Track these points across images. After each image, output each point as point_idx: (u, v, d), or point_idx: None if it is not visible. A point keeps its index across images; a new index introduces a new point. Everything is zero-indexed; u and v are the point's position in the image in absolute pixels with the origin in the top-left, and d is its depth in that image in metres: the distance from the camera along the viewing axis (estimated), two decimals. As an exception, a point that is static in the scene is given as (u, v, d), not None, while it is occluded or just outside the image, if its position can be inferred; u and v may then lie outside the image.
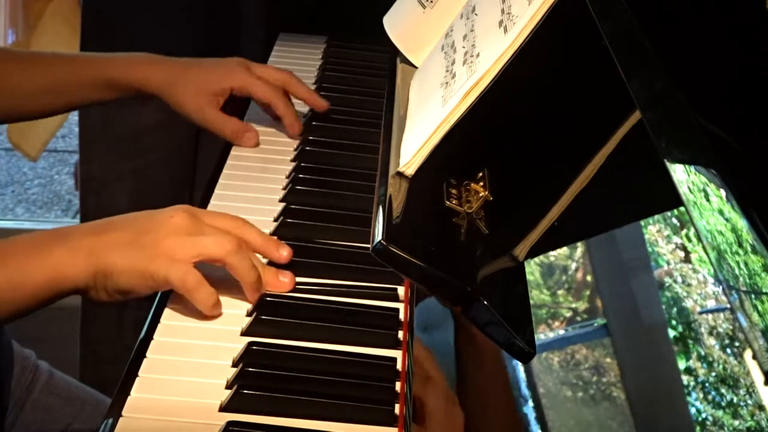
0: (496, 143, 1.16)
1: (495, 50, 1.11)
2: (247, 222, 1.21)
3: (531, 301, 1.05)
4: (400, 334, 1.15)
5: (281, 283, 1.20)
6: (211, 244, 1.15)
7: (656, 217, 1.04)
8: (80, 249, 1.13)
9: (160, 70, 1.52)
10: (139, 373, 1.08)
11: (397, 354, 1.12)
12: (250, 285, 1.17)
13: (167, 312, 1.17)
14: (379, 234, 1.04)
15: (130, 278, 1.13)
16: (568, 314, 1.14)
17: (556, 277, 1.16)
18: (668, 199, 0.85)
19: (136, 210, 1.21)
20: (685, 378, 0.94)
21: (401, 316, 1.18)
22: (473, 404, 1.08)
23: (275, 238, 1.24)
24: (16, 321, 1.16)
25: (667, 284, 1.01)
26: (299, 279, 1.22)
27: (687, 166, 0.76)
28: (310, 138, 1.55)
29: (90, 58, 1.57)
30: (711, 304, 0.96)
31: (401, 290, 1.22)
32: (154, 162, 2.04)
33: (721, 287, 0.81)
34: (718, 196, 0.71)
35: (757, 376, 0.85)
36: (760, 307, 0.65)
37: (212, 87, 1.51)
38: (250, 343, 1.11)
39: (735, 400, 0.87)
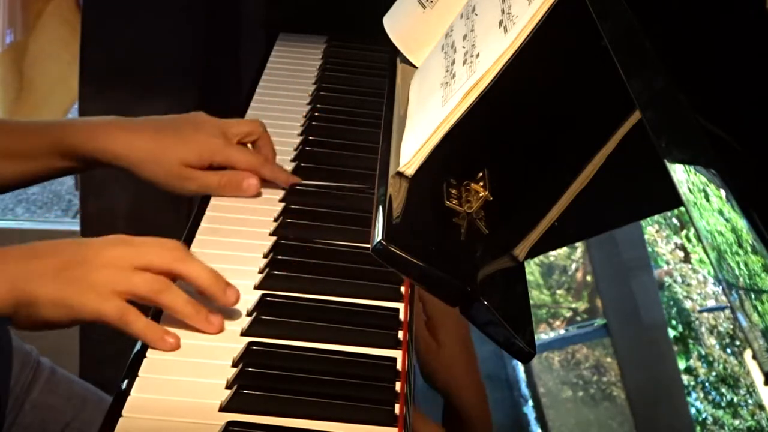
0: (496, 143, 1.16)
1: (495, 50, 1.11)
2: (191, 255, 1.15)
3: (531, 301, 1.05)
4: (400, 334, 1.15)
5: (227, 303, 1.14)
6: (141, 283, 1.11)
7: (656, 217, 1.04)
8: (5, 278, 1.09)
9: (127, 142, 1.37)
10: (139, 373, 1.08)
11: (397, 354, 1.12)
12: (193, 318, 1.12)
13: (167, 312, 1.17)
14: (379, 234, 1.04)
15: (55, 310, 1.10)
16: (568, 314, 1.14)
17: (556, 277, 1.16)
18: (668, 199, 0.85)
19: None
20: (685, 378, 0.94)
21: (401, 316, 1.18)
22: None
23: (222, 278, 1.15)
24: None
25: (667, 284, 1.01)
26: (300, 275, 1.22)
27: (687, 166, 0.76)
28: (310, 138, 1.55)
29: (48, 124, 1.44)
30: (711, 303, 0.96)
31: (401, 290, 1.22)
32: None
33: (721, 287, 0.81)
34: (718, 196, 0.71)
35: (757, 376, 0.85)
36: (760, 307, 0.65)
37: (191, 161, 1.38)
38: (250, 343, 1.11)
39: (735, 399, 0.88)
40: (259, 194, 1.40)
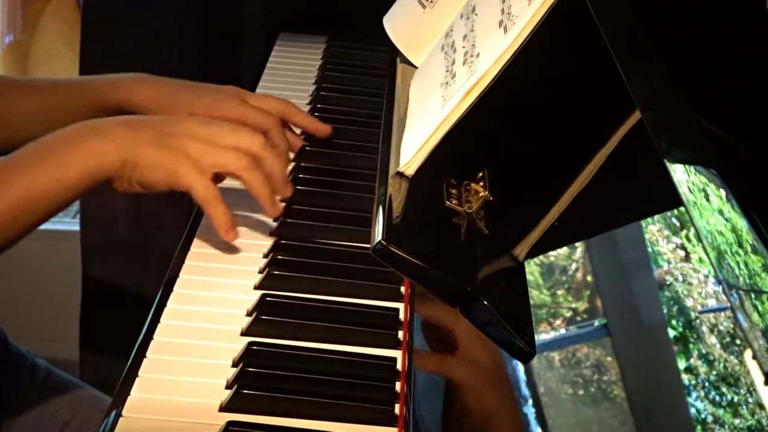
0: (496, 143, 1.16)
1: (495, 50, 1.11)
2: (268, 146, 1.27)
3: (531, 301, 1.05)
4: (400, 334, 1.15)
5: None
6: (231, 158, 1.23)
7: (656, 217, 1.04)
8: (114, 140, 1.20)
9: (148, 90, 1.45)
10: (139, 373, 1.08)
11: (397, 354, 1.12)
12: (266, 199, 1.26)
13: (167, 312, 1.17)
14: (379, 234, 1.04)
15: (156, 173, 1.20)
16: (568, 314, 1.14)
17: (556, 277, 1.16)
18: (668, 199, 0.85)
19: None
20: (685, 377, 0.94)
21: (401, 316, 1.18)
22: None
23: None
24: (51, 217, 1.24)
25: (667, 284, 1.02)
26: (300, 275, 1.22)
27: (687, 166, 0.76)
28: (310, 138, 1.55)
29: (79, 82, 1.51)
30: (711, 303, 0.96)
31: (401, 290, 1.22)
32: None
33: (721, 287, 0.81)
34: (718, 196, 0.71)
35: (757, 376, 0.85)
36: (760, 307, 0.65)
37: (201, 114, 1.42)
38: (250, 343, 1.11)
39: (735, 399, 0.88)
40: None
